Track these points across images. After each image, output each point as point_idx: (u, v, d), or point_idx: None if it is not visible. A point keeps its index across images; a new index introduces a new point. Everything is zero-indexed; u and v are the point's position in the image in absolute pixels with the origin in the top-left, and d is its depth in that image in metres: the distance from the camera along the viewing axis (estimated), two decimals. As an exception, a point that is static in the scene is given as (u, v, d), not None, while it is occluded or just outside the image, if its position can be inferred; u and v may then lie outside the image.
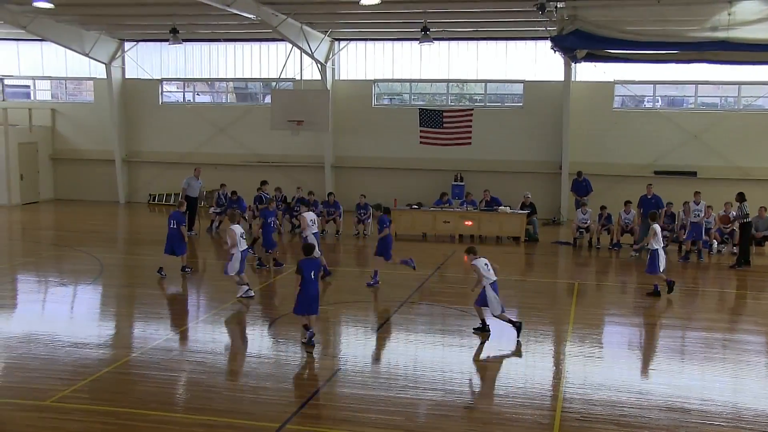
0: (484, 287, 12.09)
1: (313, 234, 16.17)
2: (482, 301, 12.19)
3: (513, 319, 12.41)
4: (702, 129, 25.51)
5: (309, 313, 11.72)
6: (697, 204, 19.83)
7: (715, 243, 20.33)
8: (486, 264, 12.27)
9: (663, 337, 12.96)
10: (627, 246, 20.84)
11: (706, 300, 16.29)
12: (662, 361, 11.65)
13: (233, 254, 14.34)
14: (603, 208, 21.18)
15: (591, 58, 22.47)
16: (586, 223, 21.25)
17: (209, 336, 12.64)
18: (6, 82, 31.70)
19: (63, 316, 14.03)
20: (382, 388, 9.98)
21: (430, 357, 11.74)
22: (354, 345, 12.38)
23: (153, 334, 12.66)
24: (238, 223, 15.13)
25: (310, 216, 16.55)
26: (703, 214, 19.75)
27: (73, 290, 15.83)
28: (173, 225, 16.47)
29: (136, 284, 16.52)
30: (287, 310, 13.93)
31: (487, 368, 11.07)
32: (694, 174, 25.08)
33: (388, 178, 27.58)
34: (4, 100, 31.26)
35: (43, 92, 31.79)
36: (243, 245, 14.63)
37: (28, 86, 31.87)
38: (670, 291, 15.15)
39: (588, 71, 25.55)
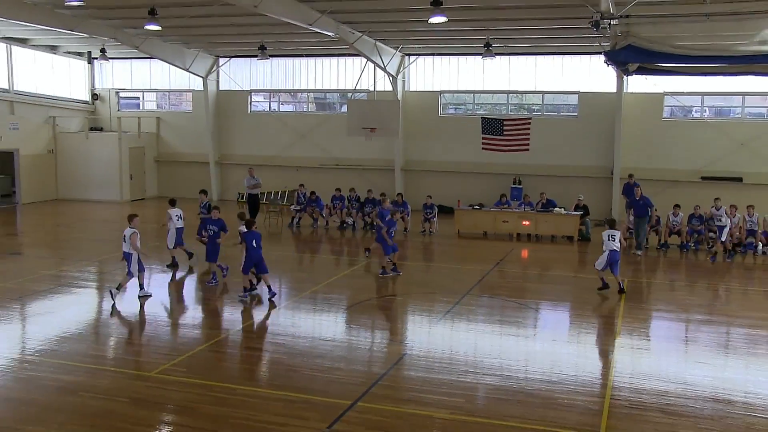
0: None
1: (177, 228, 16.60)
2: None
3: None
4: (749, 137, 24.49)
5: (259, 272, 13.93)
6: (751, 216, 19.64)
7: (761, 245, 19.51)
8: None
9: (708, 332, 12.43)
10: (674, 246, 20.22)
11: (750, 299, 15.59)
12: (708, 354, 11.17)
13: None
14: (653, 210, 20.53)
15: (642, 71, 21.79)
16: (636, 224, 20.62)
17: (289, 321, 12.82)
18: (121, 94, 32.93)
19: (164, 299, 14.48)
20: (444, 372, 9.94)
21: (489, 345, 11.63)
22: (419, 332, 12.36)
23: (240, 317, 12.94)
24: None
25: (175, 212, 16.71)
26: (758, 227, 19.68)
27: (171, 277, 16.29)
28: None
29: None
30: (360, 299, 14.07)
31: (542, 356, 10.88)
32: (740, 180, 24.09)
33: (452, 180, 27.45)
34: (119, 110, 32.49)
35: (150, 103, 32.88)
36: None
37: (138, 98, 33.04)
38: (602, 288, 14.67)
39: (639, 83, 24.81)
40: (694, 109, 26.04)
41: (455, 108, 29.16)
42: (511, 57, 26.67)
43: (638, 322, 12.81)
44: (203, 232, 15.94)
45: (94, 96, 32.74)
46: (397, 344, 11.50)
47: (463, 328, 12.47)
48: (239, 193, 29.96)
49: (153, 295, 14.00)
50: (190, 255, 17.02)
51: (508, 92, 27.69)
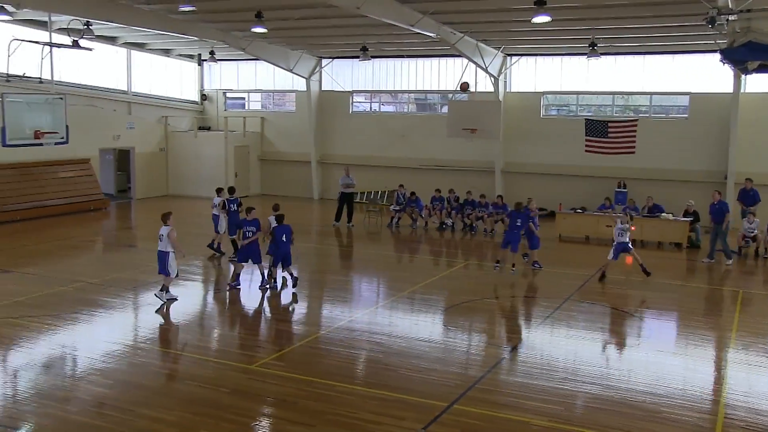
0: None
1: (213, 215, 18.05)
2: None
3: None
4: None
5: (284, 266, 14.42)
6: None
7: None
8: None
9: (836, 351, 11.49)
10: (796, 257, 18.90)
11: None
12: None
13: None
14: (777, 217, 19.29)
15: (764, 69, 20.37)
16: (752, 232, 19.46)
17: (387, 320, 12.91)
18: (227, 95, 34.27)
19: (259, 296, 14.90)
20: (542, 378, 9.72)
21: (590, 352, 11.26)
22: (517, 337, 12.15)
23: (339, 315, 13.14)
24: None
25: (214, 200, 18.13)
26: None
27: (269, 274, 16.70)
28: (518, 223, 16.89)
29: (326, 270, 17.22)
30: (458, 301, 13.97)
31: (646, 367, 10.42)
32: None
33: (553, 183, 26.78)
34: (225, 110, 33.81)
35: (254, 103, 33.96)
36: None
37: (243, 98, 34.23)
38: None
39: (759, 82, 23.31)
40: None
41: (558, 109, 28.45)
42: (618, 56, 25.70)
43: (755, 337, 12.03)
44: (239, 233, 15.79)
45: (203, 96, 34.19)
46: (494, 348, 11.35)
47: (562, 334, 12.16)
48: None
49: (179, 299, 13.58)
50: (212, 246, 18.17)
51: (614, 93, 26.72)
